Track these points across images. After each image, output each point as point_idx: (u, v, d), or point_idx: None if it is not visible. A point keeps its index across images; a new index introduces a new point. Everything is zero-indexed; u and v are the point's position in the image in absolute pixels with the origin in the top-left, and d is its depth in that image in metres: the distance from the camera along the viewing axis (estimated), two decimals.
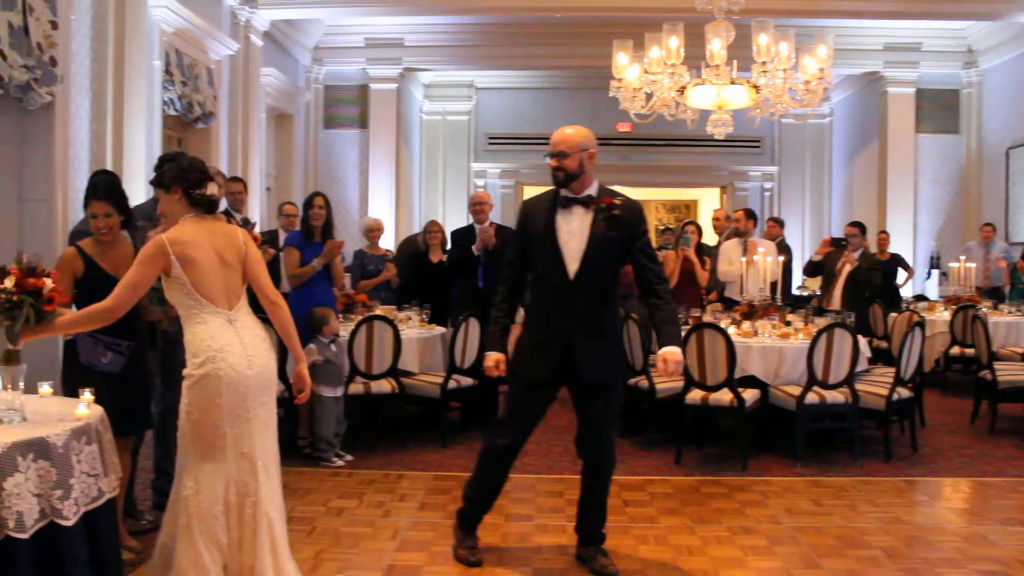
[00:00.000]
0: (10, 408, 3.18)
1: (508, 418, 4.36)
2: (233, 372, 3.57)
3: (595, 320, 4.21)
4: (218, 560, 3.55)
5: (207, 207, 3.75)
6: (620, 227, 4.19)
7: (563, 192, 4.26)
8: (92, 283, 4.23)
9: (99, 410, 3.39)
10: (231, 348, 3.60)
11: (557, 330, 4.22)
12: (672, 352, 4.18)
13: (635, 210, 4.27)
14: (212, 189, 3.75)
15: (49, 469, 2.96)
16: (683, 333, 6.39)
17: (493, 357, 4.37)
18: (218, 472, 3.58)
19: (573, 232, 4.20)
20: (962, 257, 10.71)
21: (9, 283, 3.20)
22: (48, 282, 3.27)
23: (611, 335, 4.31)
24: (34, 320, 3.26)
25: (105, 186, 4.41)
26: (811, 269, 9.51)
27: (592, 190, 4.26)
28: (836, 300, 8.77)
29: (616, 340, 4.41)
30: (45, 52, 6.21)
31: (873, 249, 10.64)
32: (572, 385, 4.31)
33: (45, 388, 3.52)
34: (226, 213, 6.39)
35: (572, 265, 4.18)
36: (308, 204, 6.66)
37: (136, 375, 4.47)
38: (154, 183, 3.94)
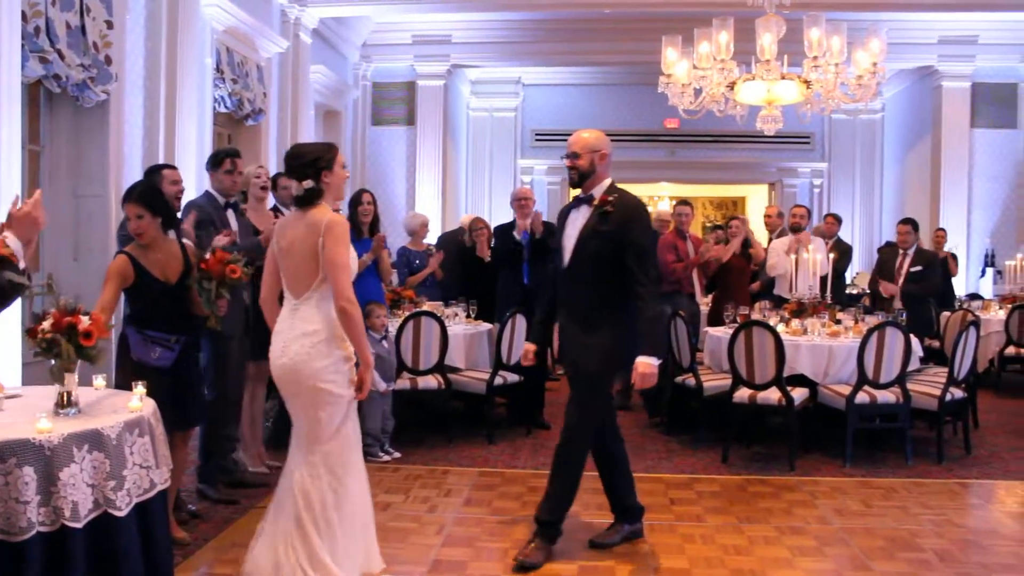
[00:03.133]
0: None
1: None
2: (271, 356, 3.82)
3: (587, 313, 4.34)
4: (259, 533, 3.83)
5: (293, 201, 3.92)
6: (609, 223, 4.29)
7: (578, 191, 4.50)
8: (142, 289, 4.28)
9: (151, 403, 3.44)
10: (279, 335, 3.82)
11: (560, 320, 4.51)
12: (645, 364, 4.25)
13: (629, 208, 4.34)
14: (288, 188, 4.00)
15: (103, 460, 3.02)
16: (731, 331, 6.39)
17: (527, 347, 4.74)
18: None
19: (576, 228, 4.42)
20: (1019, 255, 10.46)
21: (47, 324, 3.28)
22: (85, 319, 3.31)
23: (605, 330, 4.32)
24: (74, 355, 3.31)
25: (140, 188, 4.46)
26: (875, 286, 9.24)
27: (598, 189, 4.41)
28: (897, 300, 8.57)
29: (611, 336, 4.32)
30: (101, 51, 6.33)
31: (927, 246, 10.43)
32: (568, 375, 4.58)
33: (99, 381, 3.59)
34: (274, 209, 6.46)
35: (567, 259, 4.42)
36: (356, 201, 6.70)
37: (188, 369, 4.51)
38: None
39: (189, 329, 4.49)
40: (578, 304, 4.38)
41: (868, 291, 9.91)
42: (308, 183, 3.81)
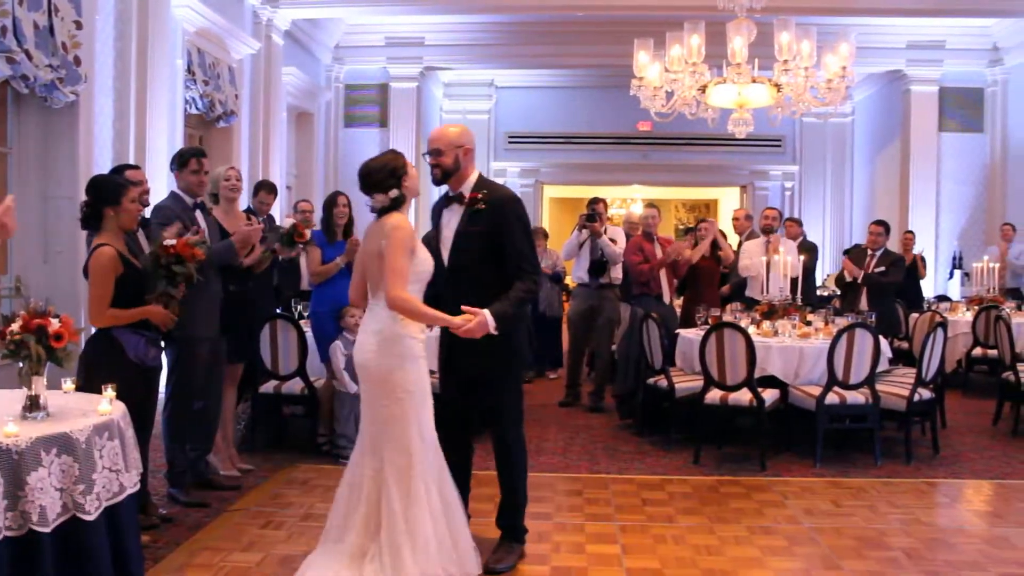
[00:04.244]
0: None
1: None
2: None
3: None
4: None
5: (375, 212, 4.04)
6: (483, 221, 4.19)
7: (448, 190, 4.36)
8: (129, 280, 4.27)
9: (121, 406, 3.42)
10: (360, 332, 4.03)
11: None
12: (483, 323, 3.95)
13: (501, 203, 4.21)
14: (375, 200, 4.02)
15: (72, 464, 2.99)
16: (703, 333, 6.42)
17: None
18: None
19: (451, 228, 4.30)
20: (985, 257, 10.61)
21: (16, 326, 3.25)
22: (55, 322, 3.29)
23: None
24: (44, 358, 3.28)
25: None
26: (842, 282, 9.36)
27: (467, 186, 4.29)
28: (863, 302, 8.67)
29: (501, 337, 4.09)
30: (70, 52, 6.28)
31: (896, 248, 10.54)
32: (458, 380, 4.35)
33: (68, 384, 3.56)
34: (248, 211, 6.43)
35: (447, 260, 4.28)
36: (332, 204, 6.64)
37: (158, 368, 4.59)
38: None
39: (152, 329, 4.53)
40: (466, 305, 4.11)
41: (838, 291, 10.01)
42: (394, 192, 3.97)
